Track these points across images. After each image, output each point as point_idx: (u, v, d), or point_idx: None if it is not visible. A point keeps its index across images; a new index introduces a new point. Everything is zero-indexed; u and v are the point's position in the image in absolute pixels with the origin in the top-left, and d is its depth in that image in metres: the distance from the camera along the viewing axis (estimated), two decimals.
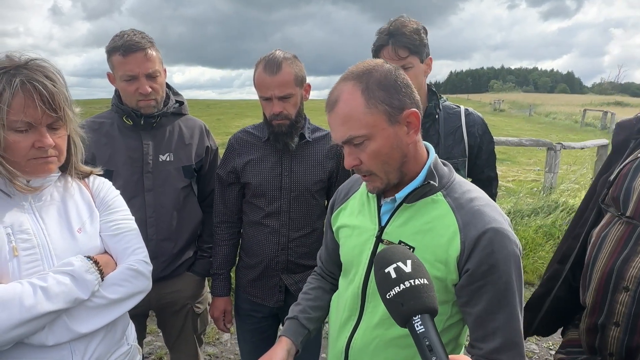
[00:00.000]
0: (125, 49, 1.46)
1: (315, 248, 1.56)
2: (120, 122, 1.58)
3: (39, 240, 0.97)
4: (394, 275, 0.62)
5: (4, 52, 0.93)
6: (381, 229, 0.98)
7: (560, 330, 1.31)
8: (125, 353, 1.15)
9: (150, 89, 1.51)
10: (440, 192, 0.94)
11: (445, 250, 0.89)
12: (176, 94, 1.71)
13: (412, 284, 0.61)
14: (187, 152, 1.65)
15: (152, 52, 1.51)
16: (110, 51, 1.50)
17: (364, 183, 1.08)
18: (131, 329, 1.23)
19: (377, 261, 0.66)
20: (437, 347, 0.57)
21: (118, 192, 1.21)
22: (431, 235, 0.90)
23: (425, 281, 0.62)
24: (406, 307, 0.60)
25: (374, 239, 0.99)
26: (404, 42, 1.46)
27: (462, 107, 1.69)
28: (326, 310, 1.21)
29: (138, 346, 1.25)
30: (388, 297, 0.62)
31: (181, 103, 1.69)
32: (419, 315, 0.59)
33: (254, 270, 1.63)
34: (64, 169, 1.07)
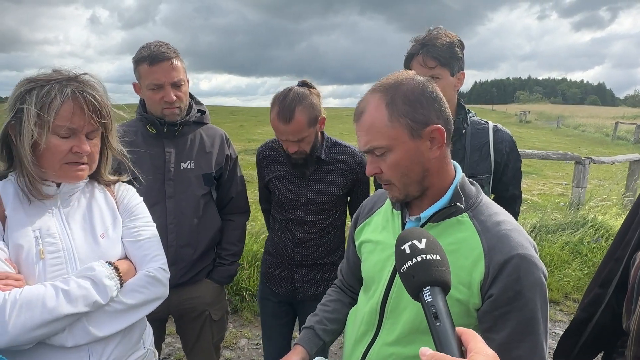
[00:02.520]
0: (152, 58, 1.51)
1: (326, 248, 1.73)
2: (144, 130, 1.63)
3: (64, 244, 1.01)
4: (408, 250, 0.66)
5: (51, 66, 1.01)
6: None
7: (600, 356, 1.25)
8: (142, 357, 1.17)
9: (175, 97, 1.56)
10: (466, 213, 0.92)
11: (469, 273, 0.87)
12: (198, 103, 1.76)
13: (424, 258, 0.64)
14: (207, 160, 1.69)
15: (177, 62, 1.56)
16: (138, 61, 1.55)
17: (388, 199, 1.08)
18: (148, 333, 1.25)
19: (398, 240, 0.70)
20: (443, 315, 0.58)
21: (141, 199, 1.24)
22: (455, 257, 0.88)
23: (438, 257, 0.65)
24: (417, 279, 0.63)
25: None
26: (434, 53, 1.46)
27: (491, 123, 1.66)
28: (343, 323, 1.20)
29: (154, 350, 1.27)
30: (402, 271, 0.65)
31: (203, 112, 1.73)
32: (429, 287, 0.61)
33: (274, 259, 1.79)
34: (92, 176, 1.12)
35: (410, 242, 0.67)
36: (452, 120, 0.92)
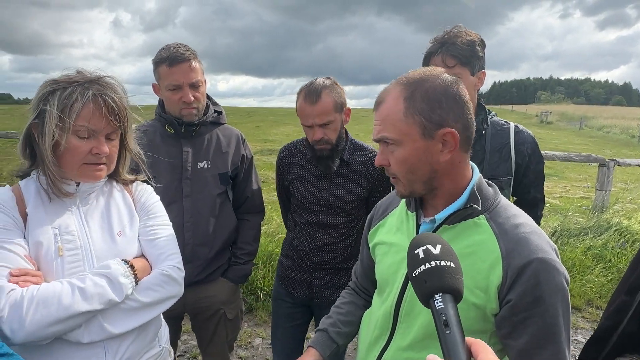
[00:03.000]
0: (171, 60, 1.54)
1: (347, 253, 1.70)
2: (162, 130, 1.66)
3: (82, 241, 1.03)
4: (422, 255, 0.64)
5: (74, 67, 1.04)
6: None
7: None
8: (157, 354, 1.18)
9: (192, 98, 1.58)
10: (483, 216, 0.89)
11: (486, 277, 0.85)
12: (215, 104, 1.78)
13: (438, 264, 0.62)
14: (223, 160, 1.70)
15: (195, 64, 1.58)
16: (157, 62, 1.58)
17: (403, 200, 1.07)
18: (164, 331, 1.26)
19: (411, 244, 0.68)
20: (453, 324, 0.56)
21: (158, 197, 1.26)
22: (471, 260, 0.86)
23: (452, 265, 0.63)
24: (429, 284, 0.61)
25: None
26: (453, 51, 1.43)
27: (512, 124, 1.61)
28: (357, 326, 1.19)
29: (170, 348, 1.28)
30: (414, 275, 0.64)
31: (219, 113, 1.75)
32: (441, 294, 0.60)
33: (292, 262, 1.77)
34: (111, 175, 1.14)
35: (424, 247, 0.65)
36: (474, 126, 0.89)
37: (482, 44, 1.49)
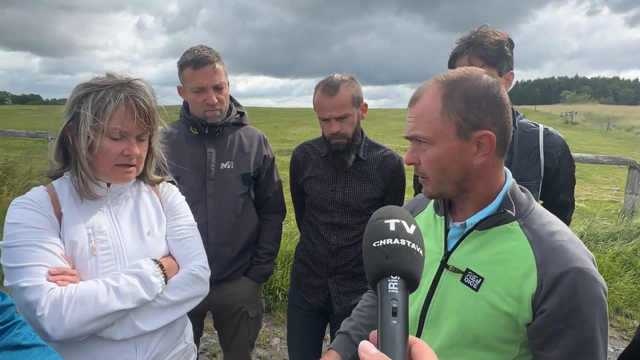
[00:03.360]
0: (195, 63, 1.56)
1: (362, 257, 1.59)
2: (187, 131, 1.69)
3: (114, 241, 1.06)
4: (392, 228, 0.55)
5: (103, 70, 1.07)
6: (447, 254, 0.93)
7: None
8: (182, 351, 1.21)
9: (216, 100, 1.61)
10: (516, 222, 0.87)
11: (519, 285, 0.82)
12: (237, 105, 1.80)
13: (408, 244, 0.54)
14: (246, 161, 1.72)
15: (219, 66, 1.60)
16: (182, 65, 1.61)
17: (430, 204, 1.05)
18: (189, 329, 1.29)
19: (379, 212, 0.60)
20: (401, 315, 0.48)
21: (183, 198, 1.29)
22: (504, 268, 0.84)
23: (421, 252, 0.55)
24: (390, 261, 0.52)
25: (439, 263, 0.94)
26: (481, 51, 1.41)
27: (541, 126, 1.56)
28: None
29: (194, 345, 1.31)
30: (374, 245, 0.54)
31: (242, 114, 1.77)
32: (398, 278, 0.51)
33: (305, 267, 1.75)
34: (139, 176, 1.17)
35: (397, 220, 0.56)
36: (511, 131, 0.87)
37: (511, 44, 1.45)
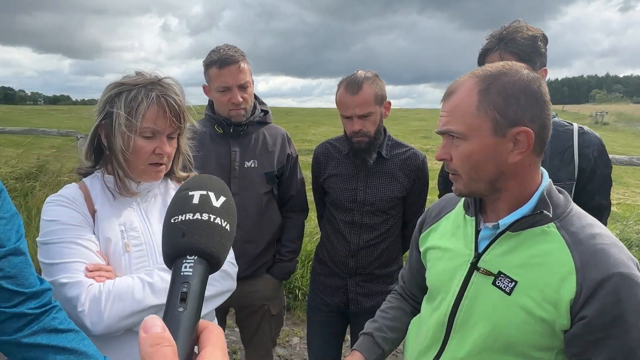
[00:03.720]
0: (221, 62, 1.58)
1: (383, 258, 1.66)
2: (212, 130, 1.71)
3: (145, 238, 1.08)
4: (196, 200, 0.48)
5: (132, 69, 1.08)
6: (477, 256, 0.90)
7: None
8: None
9: (241, 99, 1.62)
10: (553, 224, 0.83)
11: (556, 290, 0.78)
12: (262, 103, 1.81)
13: (212, 220, 0.46)
14: (269, 159, 1.73)
15: (244, 65, 1.61)
16: (208, 65, 1.63)
17: (460, 203, 1.02)
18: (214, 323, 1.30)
19: (187, 182, 0.52)
20: (191, 301, 0.42)
21: None
22: (539, 271, 0.80)
23: (228, 228, 0.48)
24: (187, 240, 0.44)
25: (469, 265, 0.91)
26: (512, 47, 1.35)
27: (576, 125, 1.50)
28: (404, 332, 1.15)
29: None
30: (173, 221, 0.47)
31: (266, 112, 1.78)
32: (196, 258, 0.45)
33: (325, 267, 1.74)
34: (167, 174, 1.18)
35: (204, 192, 0.49)
36: (551, 129, 0.83)
37: (545, 40, 1.40)
